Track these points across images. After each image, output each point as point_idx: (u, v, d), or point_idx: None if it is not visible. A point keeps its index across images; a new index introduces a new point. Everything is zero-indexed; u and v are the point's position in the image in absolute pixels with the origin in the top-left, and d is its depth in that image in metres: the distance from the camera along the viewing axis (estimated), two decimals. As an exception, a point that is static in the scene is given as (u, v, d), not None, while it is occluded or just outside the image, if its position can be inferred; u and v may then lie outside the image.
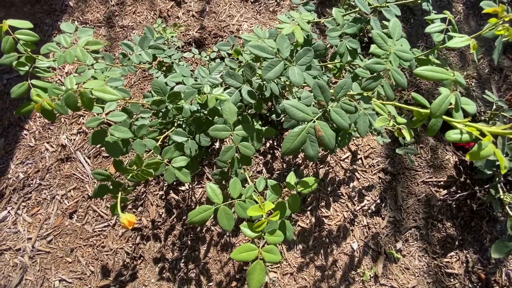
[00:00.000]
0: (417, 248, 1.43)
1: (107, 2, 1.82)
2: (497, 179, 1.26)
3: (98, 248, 1.40)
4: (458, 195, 1.40)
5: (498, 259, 1.39)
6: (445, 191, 1.46)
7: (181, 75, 1.01)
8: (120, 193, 0.77)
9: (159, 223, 1.43)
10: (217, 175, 0.99)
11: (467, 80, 1.71)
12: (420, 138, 1.57)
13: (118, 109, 0.80)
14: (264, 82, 0.90)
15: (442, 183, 1.47)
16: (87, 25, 1.77)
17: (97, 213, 1.44)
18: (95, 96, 0.60)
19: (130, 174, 0.77)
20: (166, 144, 0.95)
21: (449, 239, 1.42)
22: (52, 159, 1.52)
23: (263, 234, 0.63)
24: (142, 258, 1.39)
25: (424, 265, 1.41)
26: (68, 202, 1.45)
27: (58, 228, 1.43)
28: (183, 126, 0.95)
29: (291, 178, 0.70)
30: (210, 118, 0.93)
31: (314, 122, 0.61)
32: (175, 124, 0.95)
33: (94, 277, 1.37)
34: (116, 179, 0.83)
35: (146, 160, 0.75)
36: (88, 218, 1.43)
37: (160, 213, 1.44)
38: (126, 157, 1.52)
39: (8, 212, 1.44)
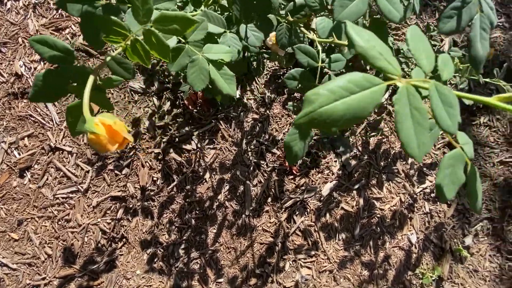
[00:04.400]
0: (488, 246, 1.11)
1: None
2: None
3: (60, 223, 0.97)
4: (549, 181, 1.09)
5: None
6: (531, 175, 1.14)
7: None
8: (91, 79, 0.34)
9: (152, 193, 1.02)
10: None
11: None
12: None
13: None
14: None
15: (526, 164, 1.16)
16: None
17: (61, 172, 1.00)
18: None
19: (119, 46, 0.34)
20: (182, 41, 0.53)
21: (530, 237, 1.11)
22: (0, 92, 1.06)
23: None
24: (124, 239, 0.98)
25: (496, 267, 1.10)
26: (20, 154, 1.01)
27: (1, 189, 0.98)
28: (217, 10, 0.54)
29: None
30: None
31: None
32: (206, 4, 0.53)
33: (51, 263, 0.94)
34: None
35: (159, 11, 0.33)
36: (47, 179, 1.00)
37: (155, 178, 1.02)
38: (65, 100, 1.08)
39: None
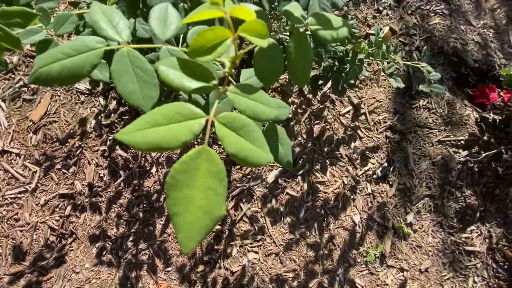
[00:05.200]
0: (430, 222, 1.16)
1: None
2: (535, 132, 1.01)
3: (9, 222, 1.00)
4: (482, 156, 1.14)
5: (525, 234, 1.15)
6: (466, 152, 1.19)
7: None
8: None
9: (100, 189, 1.05)
10: None
11: (484, 30, 1.46)
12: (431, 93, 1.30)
13: None
14: None
15: (462, 142, 1.21)
16: None
17: (9, 174, 1.04)
18: None
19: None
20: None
21: (469, 211, 1.17)
22: None
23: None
24: (73, 235, 1.01)
25: (439, 242, 1.15)
26: (-33, 159, 1.04)
27: (-50, 194, 1.01)
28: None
29: (296, 8, 0.35)
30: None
31: None
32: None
33: (1, 261, 0.97)
34: None
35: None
36: (-5, 181, 1.03)
37: (101, 175, 1.06)
38: None
39: None
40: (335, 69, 0.98)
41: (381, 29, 1.38)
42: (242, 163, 0.25)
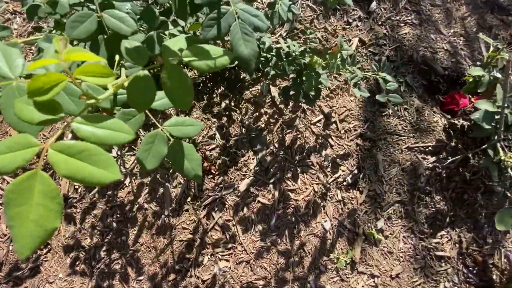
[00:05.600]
0: (401, 228, 1.18)
1: None
2: (496, 137, 1.03)
3: (-15, 234, 1.04)
4: (449, 162, 1.16)
5: (496, 238, 1.16)
6: (434, 158, 1.22)
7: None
8: None
9: (74, 200, 1.09)
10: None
11: (454, 38, 1.50)
12: (403, 98, 1.33)
13: None
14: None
15: (430, 148, 1.23)
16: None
17: (-13, 187, 1.08)
18: None
19: None
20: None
21: (438, 216, 1.18)
22: None
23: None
24: (48, 246, 1.04)
25: (410, 247, 1.16)
26: None
27: None
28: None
29: (176, 42, 0.38)
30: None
31: None
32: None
33: (-23, 273, 1.00)
34: None
35: None
36: (-26, 194, 1.07)
37: (76, 186, 1.10)
38: None
39: None
40: (298, 81, 1.02)
41: (350, 40, 1.43)
42: (82, 183, 0.28)
